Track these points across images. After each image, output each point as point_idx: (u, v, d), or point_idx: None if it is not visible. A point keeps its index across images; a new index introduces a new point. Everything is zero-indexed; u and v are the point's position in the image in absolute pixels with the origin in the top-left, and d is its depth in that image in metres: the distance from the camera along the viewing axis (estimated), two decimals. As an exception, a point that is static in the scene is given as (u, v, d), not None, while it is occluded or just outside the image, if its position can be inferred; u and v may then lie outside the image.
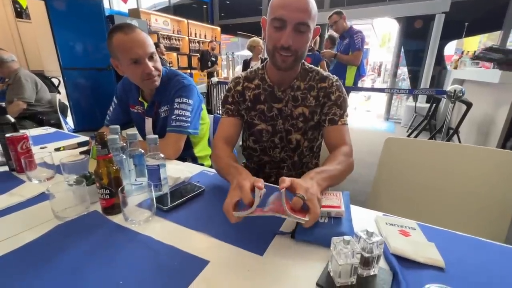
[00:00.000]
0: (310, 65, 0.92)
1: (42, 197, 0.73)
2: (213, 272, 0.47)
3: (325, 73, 0.90)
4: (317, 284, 0.44)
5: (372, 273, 0.46)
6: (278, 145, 0.95)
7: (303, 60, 0.88)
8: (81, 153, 1.00)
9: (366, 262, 0.45)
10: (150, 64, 0.99)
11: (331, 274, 0.45)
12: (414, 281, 0.44)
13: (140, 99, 1.15)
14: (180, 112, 1.05)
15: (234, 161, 0.76)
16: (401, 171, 0.95)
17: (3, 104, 0.90)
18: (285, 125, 0.91)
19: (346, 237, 0.43)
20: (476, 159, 0.86)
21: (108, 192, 0.63)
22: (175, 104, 1.06)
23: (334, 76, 0.89)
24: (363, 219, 0.64)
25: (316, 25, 0.80)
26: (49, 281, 0.45)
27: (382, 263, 0.49)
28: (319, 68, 0.92)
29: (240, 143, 1.08)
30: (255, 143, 0.98)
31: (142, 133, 1.20)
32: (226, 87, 0.97)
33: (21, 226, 0.60)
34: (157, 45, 4.42)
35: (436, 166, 0.91)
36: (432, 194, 0.90)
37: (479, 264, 0.50)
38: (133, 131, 0.80)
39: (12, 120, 0.91)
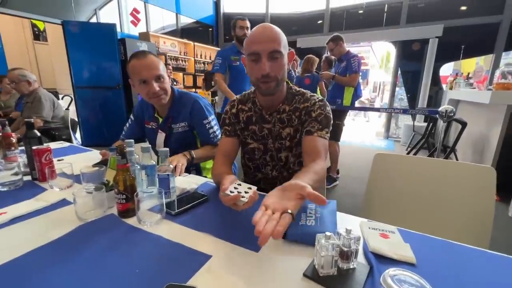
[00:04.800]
0: (298, 89, 0.98)
1: (63, 202, 0.82)
2: (215, 265, 0.55)
3: (311, 94, 0.96)
4: (304, 275, 0.52)
5: (351, 266, 0.53)
6: (269, 163, 1.03)
7: (291, 85, 0.98)
8: (94, 165, 1.10)
9: (346, 256, 0.52)
10: (155, 84, 1.13)
11: (316, 266, 0.52)
12: (387, 273, 0.51)
13: (155, 115, 1.30)
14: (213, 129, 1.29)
15: (226, 172, 0.85)
16: (389, 184, 1.02)
17: (32, 120, 1.01)
18: (274, 144, 0.99)
19: (328, 233, 0.51)
20: (458, 174, 0.94)
21: (124, 197, 0.72)
22: (206, 125, 1.27)
23: (319, 97, 0.96)
24: (349, 224, 0.71)
25: (289, 49, 0.91)
26: (75, 271, 0.53)
27: (362, 259, 0.57)
28: (306, 91, 0.98)
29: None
30: (249, 161, 1.08)
31: (153, 146, 1.34)
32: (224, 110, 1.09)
33: (47, 226, 0.68)
34: (165, 65, 4.65)
35: (421, 180, 0.98)
36: (418, 204, 0.97)
37: (447, 262, 0.57)
38: (146, 144, 0.90)
39: (38, 134, 1.02)
